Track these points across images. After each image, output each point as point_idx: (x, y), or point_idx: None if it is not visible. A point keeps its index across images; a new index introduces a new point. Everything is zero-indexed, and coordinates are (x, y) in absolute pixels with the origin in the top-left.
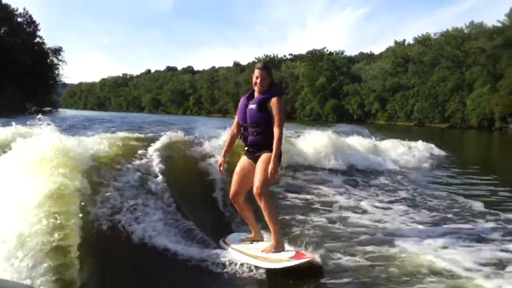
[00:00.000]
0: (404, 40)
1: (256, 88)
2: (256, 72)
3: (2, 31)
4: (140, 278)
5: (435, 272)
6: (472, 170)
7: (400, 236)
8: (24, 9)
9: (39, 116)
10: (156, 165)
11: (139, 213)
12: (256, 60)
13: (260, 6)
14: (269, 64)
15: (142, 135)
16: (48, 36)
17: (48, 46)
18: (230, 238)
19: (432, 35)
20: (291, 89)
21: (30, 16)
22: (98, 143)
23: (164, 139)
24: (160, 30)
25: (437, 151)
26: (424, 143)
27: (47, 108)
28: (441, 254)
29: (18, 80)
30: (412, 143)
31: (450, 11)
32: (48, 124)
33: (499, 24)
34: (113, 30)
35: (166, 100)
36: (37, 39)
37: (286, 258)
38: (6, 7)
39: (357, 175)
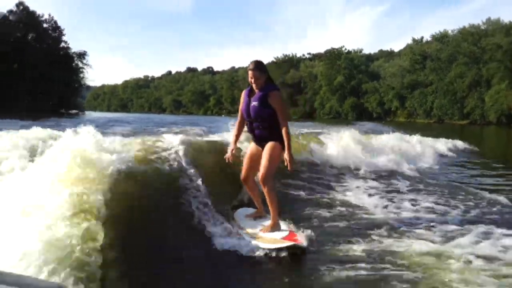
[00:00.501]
0: (422, 37)
1: (253, 86)
2: (249, 73)
3: (29, 37)
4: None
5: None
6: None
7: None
8: (49, 15)
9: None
10: (185, 161)
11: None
12: (275, 60)
13: (279, 5)
14: (261, 63)
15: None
16: (69, 39)
17: (73, 50)
18: (238, 212)
19: (450, 31)
20: (309, 89)
21: (55, 22)
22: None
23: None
24: (179, 31)
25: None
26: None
27: (74, 111)
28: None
29: (45, 84)
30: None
31: (472, 6)
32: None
33: None
34: (133, 32)
35: (187, 101)
36: (62, 44)
37: (279, 239)
38: (33, 13)
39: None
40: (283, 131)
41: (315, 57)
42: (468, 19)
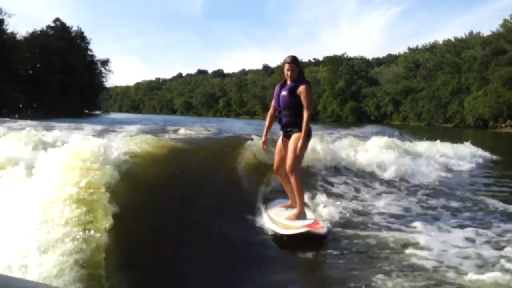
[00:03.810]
0: (417, 46)
1: (288, 78)
2: (286, 66)
3: (63, 48)
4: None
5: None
6: None
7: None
8: (78, 27)
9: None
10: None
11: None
12: (280, 65)
13: (292, 7)
14: (296, 58)
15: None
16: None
17: (97, 58)
18: (273, 203)
19: (440, 42)
20: (313, 93)
21: (82, 33)
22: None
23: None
24: (190, 33)
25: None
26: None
27: (98, 112)
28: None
29: (75, 89)
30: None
31: (490, 8)
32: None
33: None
34: (146, 34)
35: (197, 103)
36: (89, 52)
37: (298, 226)
38: (66, 27)
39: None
40: (304, 119)
41: (320, 63)
42: (490, 20)
